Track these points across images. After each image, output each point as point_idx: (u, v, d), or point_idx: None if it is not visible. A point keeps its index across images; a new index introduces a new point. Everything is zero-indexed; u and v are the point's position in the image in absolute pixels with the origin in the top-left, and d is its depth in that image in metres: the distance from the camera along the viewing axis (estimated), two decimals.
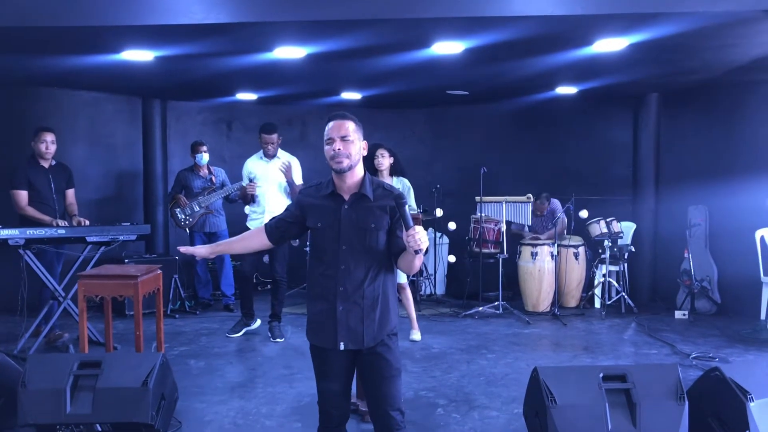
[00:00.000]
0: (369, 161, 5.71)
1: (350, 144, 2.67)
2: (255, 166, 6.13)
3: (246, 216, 6.32)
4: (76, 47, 5.18)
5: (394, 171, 5.83)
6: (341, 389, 2.81)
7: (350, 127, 2.70)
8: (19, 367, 3.81)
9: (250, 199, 6.11)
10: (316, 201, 2.77)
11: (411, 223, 2.55)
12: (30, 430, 3.56)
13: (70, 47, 5.18)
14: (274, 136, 6.01)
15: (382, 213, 2.69)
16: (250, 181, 6.09)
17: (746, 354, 5.55)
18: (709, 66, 5.99)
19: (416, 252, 2.54)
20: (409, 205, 5.78)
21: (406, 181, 5.86)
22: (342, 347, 2.70)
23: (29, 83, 7.06)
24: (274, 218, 2.95)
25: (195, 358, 5.40)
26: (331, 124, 2.72)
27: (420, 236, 2.51)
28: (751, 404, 3.14)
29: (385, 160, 5.73)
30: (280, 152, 6.12)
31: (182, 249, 3.04)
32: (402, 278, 5.79)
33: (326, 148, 2.69)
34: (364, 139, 2.78)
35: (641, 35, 4.76)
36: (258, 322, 6.20)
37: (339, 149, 2.65)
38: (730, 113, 7.10)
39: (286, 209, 2.97)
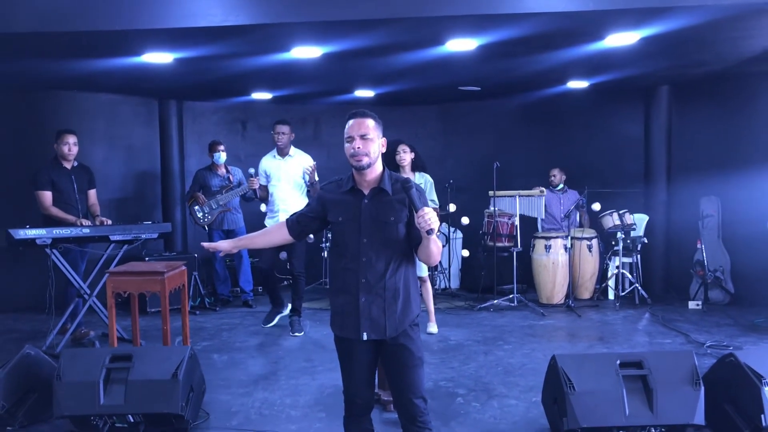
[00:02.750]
0: (390, 157, 5.79)
1: (370, 142, 2.74)
2: (269, 164, 6.25)
3: (263, 214, 6.43)
4: (99, 51, 5.29)
5: (416, 166, 5.91)
6: (365, 378, 2.90)
7: (370, 125, 2.76)
8: (53, 362, 3.95)
9: (261, 195, 6.25)
10: (336, 196, 2.85)
11: (419, 204, 2.62)
12: (65, 421, 3.70)
13: (93, 51, 5.30)
14: (287, 127, 6.13)
15: (401, 206, 2.76)
16: (251, 176, 6.24)
17: (760, 343, 5.60)
18: (721, 58, 6.03)
19: (428, 233, 2.60)
20: (432, 200, 5.86)
21: (428, 176, 5.93)
22: (365, 337, 2.78)
23: (50, 87, 7.20)
24: (295, 213, 3.03)
25: (218, 352, 5.52)
26: (351, 122, 2.78)
27: (429, 216, 2.58)
28: (766, 388, 3.22)
29: (406, 156, 5.82)
30: (294, 150, 6.23)
31: (205, 245, 3.13)
32: (423, 271, 5.88)
33: (346, 145, 2.76)
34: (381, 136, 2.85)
35: (653, 29, 4.81)
36: (289, 307, 6.28)
37: (359, 147, 2.72)
38: (741, 104, 7.12)
39: (307, 204, 3.07)
